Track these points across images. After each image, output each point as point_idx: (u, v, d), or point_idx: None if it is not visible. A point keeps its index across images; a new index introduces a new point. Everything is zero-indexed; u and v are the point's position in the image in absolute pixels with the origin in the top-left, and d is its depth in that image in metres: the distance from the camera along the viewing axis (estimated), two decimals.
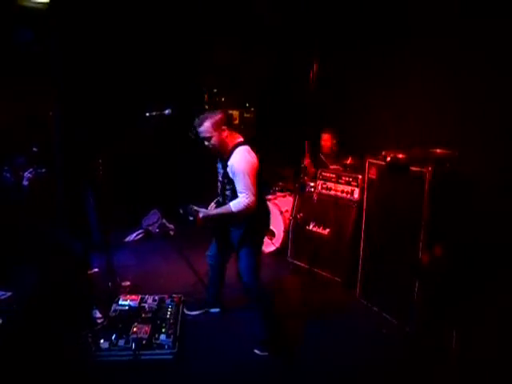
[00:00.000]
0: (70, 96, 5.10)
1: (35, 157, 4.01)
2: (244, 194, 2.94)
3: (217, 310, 3.67)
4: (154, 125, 3.66)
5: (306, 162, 4.90)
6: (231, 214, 3.01)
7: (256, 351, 3.14)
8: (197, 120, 3.00)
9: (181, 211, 3.16)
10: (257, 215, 3.08)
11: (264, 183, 3.30)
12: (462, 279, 3.15)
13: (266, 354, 3.13)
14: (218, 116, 2.98)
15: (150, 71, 5.58)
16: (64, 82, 5.04)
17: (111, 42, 5.27)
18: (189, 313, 3.64)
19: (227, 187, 3.06)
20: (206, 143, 3.02)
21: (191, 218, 3.11)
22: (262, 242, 3.33)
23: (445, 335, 3.04)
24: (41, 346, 3.02)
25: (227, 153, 3.00)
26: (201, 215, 3.09)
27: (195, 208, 3.12)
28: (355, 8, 4.90)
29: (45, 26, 4.81)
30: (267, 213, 3.30)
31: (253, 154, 3.01)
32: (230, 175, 2.98)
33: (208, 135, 2.97)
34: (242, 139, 3.08)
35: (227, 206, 3.02)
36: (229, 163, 2.97)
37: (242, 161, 2.95)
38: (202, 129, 2.97)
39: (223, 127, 2.98)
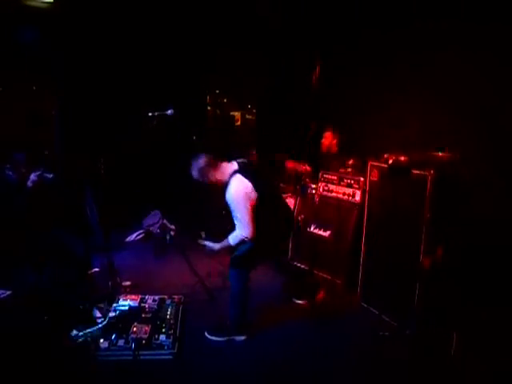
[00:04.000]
0: (71, 96, 5.12)
1: (45, 160, 4.02)
2: (238, 224, 3.12)
3: (241, 337, 3.28)
4: (156, 125, 3.67)
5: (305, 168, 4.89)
6: (232, 246, 3.23)
7: (206, 334, 3.27)
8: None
9: (201, 236, 3.59)
10: (260, 237, 3.17)
11: (275, 205, 3.37)
12: (462, 282, 3.15)
13: (214, 338, 3.24)
14: (200, 164, 3.17)
15: (152, 71, 5.59)
16: (66, 81, 5.06)
17: (114, 43, 5.29)
18: (210, 337, 3.28)
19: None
20: None
21: (204, 244, 3.47)
22: (260, 260, 3.45)
23: (445, 338, 3.04)
24: (40, 345, 3.02)
25: (226, 185, 3.15)
26: (207, 249, 3.42)
27: (203, 242, 3.46)
28: (357, 10, 4.91)
29: (48, 26, 4.83)
30: (275, 234, 3.35)
31: (244, 181, 3.09)
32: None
33: (201, 180, 3.19)
34: (235, 167, 3.19)
35: (226, 240, 3.23)
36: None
37: (231, 191, 3.10)
38: (194, 177, 3.21)
39: (207, 169, 3.15)
